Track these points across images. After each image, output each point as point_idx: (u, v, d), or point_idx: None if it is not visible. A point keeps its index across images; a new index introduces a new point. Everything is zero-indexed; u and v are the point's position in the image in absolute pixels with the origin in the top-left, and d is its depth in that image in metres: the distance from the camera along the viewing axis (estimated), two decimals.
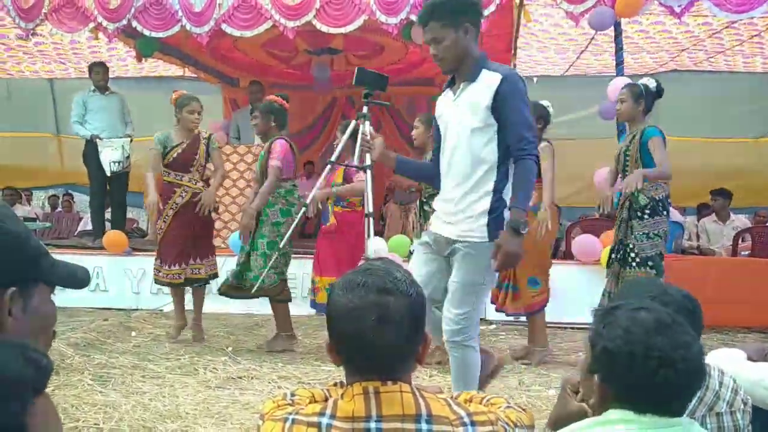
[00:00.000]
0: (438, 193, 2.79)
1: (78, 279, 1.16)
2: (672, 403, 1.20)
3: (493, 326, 5.43)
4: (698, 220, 7.30)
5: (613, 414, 1.22)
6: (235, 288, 4.51)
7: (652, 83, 4.02)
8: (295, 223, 4.24)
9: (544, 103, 4.39)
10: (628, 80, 5.34)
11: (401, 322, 1.19)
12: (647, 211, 3.87)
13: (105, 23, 5.48)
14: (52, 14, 5.55)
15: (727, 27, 6.64)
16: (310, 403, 1.30)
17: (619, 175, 4.11)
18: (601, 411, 1.26)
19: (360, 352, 1.20)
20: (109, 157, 6.25)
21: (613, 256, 4.08)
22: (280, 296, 4.54)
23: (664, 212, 3.91)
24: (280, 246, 4.23)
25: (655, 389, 1.18)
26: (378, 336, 1.17)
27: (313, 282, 4.66)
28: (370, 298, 1.18)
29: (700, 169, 8.38)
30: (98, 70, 6.46)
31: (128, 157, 6.36)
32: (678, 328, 1.22)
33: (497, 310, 4.58)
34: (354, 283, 1.21)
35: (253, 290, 4.38)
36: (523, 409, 1.40)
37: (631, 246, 3.92)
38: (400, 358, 1.21)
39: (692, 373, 1.20)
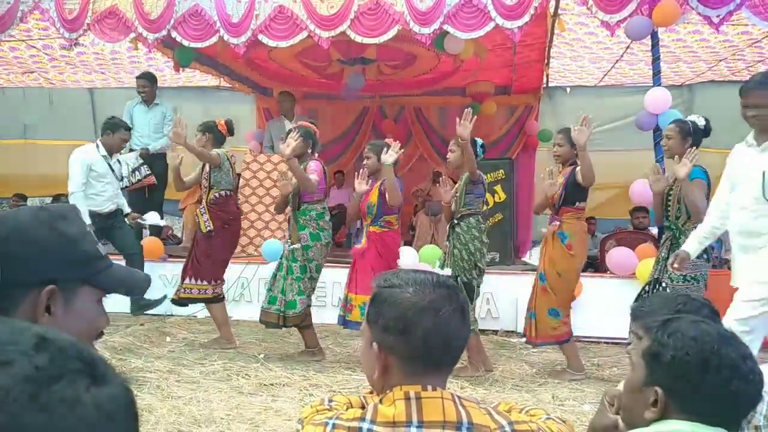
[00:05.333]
0: None
1: (129, 285, 1.16)
2: (739, 414, 1.19)
3: (524, 339, 5.36)
4: None
5: (674, 424, 1.20)
6: (267, 314, 4.59)
7: (701, 121, 3.93)
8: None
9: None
10: (665, 90, 5.27)
11: (467, 311, 1.27)
12: None
13: (145, 34, 5.61)
14: (95, 25, 5.70)
15: (767, 36, 6.50)
16: (347, 408, 1.30)
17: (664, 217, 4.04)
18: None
19: (434, 347, 1.20)
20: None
21: (644, 294, 3.91)
22: (304, 323, 4.58)
23: (704, 256, 3.77)
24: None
25: (726, 400, 1.17)
26: (456, 324, 1.22)
27: (347, 299, 4.60)
28: (441, 292, 1.22)
29: None
30: (140, 82, 6.52)
31: (135, 171, 6.15)
32: (739, 341, 1.22)
33: (527, 342, 4.54)
34: (414, 280, 1.24)
35: (284, 322, 4.52)
36: (564, 421, 1.38)
37: (663, 285, 3.82)
38: (463, 348, 1.28)
39: (760, 384, 1.19)
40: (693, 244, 3.37)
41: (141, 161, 6.29)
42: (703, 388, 1.18)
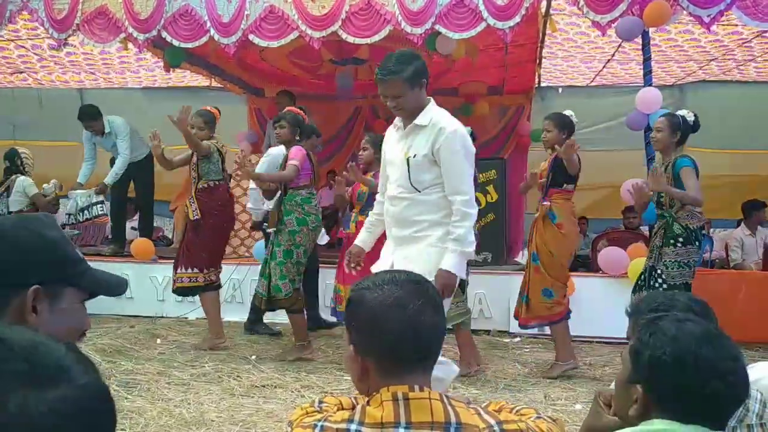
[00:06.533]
0: None
1: (110, 287, 1.19)
2: (719, 414, 1.18)
3: (518, 339, 5.37)
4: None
5: (657, 424, 1.19)
6: (255, 297, 4.66)
7: (690, 116, 4.00)
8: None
9: (567, 112, 4.39)
10: (656, 90, 5.29)
11: (438, 303, 1.26)
12: (680, 240, 3.85)
13: (135, 34, 5.56)
14: (84, 25, 5.65)
15: (757, 36, 6.54)
16: (338, 410, 1.30)
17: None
18: (640, 422, 1.23)
19: (405, 342, 1.20)
20: (65, 209, 6.13)
21: (640, 282, 4.04)
22: (294, 306, 4.56)
23: (696, 243, 3.89)
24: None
25: (704, 400, 1.16)
26: (426, 317, 1.21)
27: (336, 291, 4.64)
28: (408, 288, 1.23)
29: (730, 182, 8.22)
30: (84, 125, 6.24)
31: (84, 210, 6.16)
32: (724, 340, 1.21)
33: (519, 324, 4.56)
34: (382, 280, 1.25)
35: (264, 304, 4.55)
36: (554, 420, 1.38)
37: (659, 272, 3.89)
38: (440, 341, 1.27)
39: (740, 386, 1.18)
40: (363, 234, 3.24)
41: (97, 199, 6.18)
42: (680, 388, 1.17)
